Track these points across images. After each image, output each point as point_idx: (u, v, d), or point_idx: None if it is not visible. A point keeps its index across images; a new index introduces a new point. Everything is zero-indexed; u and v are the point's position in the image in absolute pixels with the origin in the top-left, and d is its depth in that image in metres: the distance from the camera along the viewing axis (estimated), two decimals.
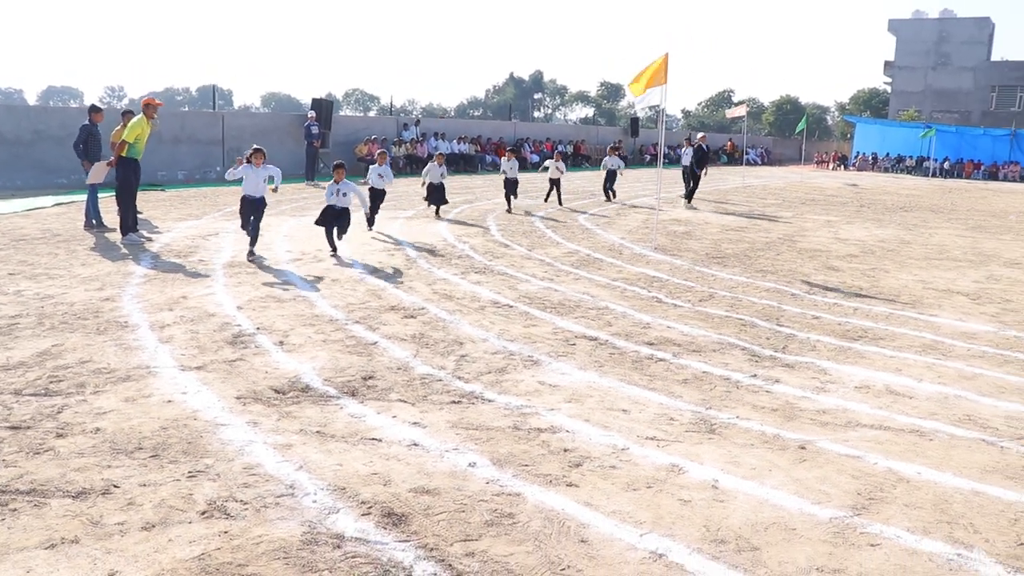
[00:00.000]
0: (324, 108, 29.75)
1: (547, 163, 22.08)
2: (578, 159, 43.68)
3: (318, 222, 12.80)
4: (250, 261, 11.66)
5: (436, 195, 17.66)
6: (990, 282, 12.54)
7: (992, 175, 54.04)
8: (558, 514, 4.49)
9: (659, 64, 14.00)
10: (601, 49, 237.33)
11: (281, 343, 7.57)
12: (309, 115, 27.84)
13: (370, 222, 14.98)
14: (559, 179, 21.70)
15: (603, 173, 24.04)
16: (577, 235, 15.94)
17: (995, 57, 76.07)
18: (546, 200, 22.00)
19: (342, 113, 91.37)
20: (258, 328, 8.05)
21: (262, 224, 12.28)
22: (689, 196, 23.69)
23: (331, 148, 29.76)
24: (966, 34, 74.04)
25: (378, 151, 16.46)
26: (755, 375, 7.18)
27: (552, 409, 6.13)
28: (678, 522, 4.45)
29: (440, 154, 18.64)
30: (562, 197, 21.88)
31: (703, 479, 5.02)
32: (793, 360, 7.71)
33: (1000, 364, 7.94)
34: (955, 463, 5.47)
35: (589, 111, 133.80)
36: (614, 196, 23.97)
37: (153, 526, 4.17)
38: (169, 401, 5.99)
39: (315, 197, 21.34)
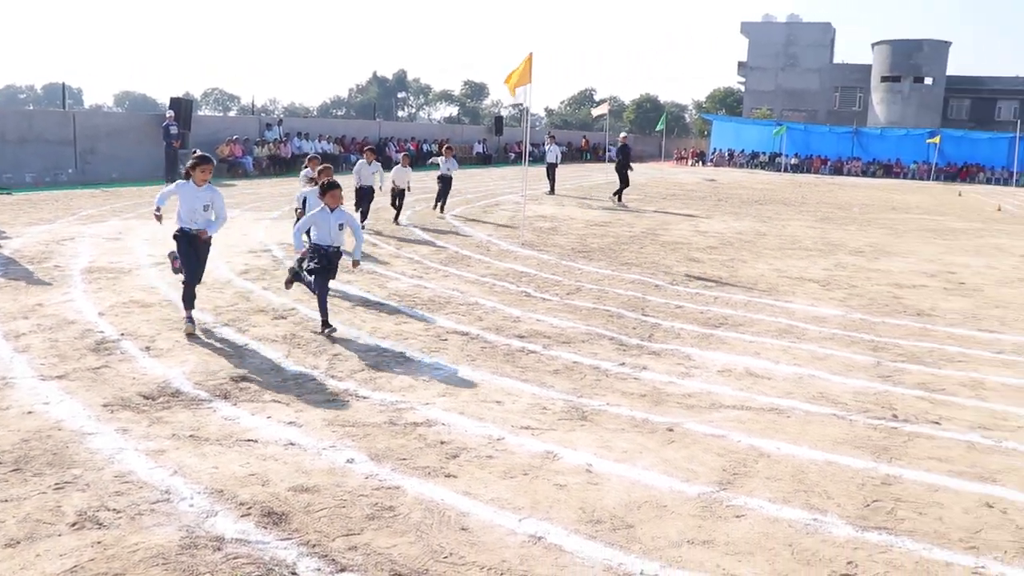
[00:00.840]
0: (183, 107, 28.87)
1: (438, 160, 19.98)
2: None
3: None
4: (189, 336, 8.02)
5: (400, 200, 16.98)
6: (838, 269, 13.28)
7: (837, 170, 56.99)
8: (438, 504, 4.57)
9: (525, 64, 14.22)
10: (465, 48, 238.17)
11: (148, 348, 7.37)
12: (167, 115, 26.95)
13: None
14: (451, 178, 19.23)
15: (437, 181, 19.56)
16: (445, 233, 16.02)
17: (837, 60, 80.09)
18: (435, 205, 19.49)
19: (202, 113, 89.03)
20: (122, 334, 7.81)
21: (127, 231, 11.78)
22: (618, 194, 23.85)
23: (191, 149, 28.88)
24: (811, 38, 77.73)
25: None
26: (623, 363, 7.43)
27: (427, 403, 6.20)
28: (555, 506, 4.60)
29: (406, 155, 18.11)
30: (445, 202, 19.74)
31: (577, 464, 5.19)
32: (659, 348, 8.02)
33: (848, 345, 8.46)
34: (810, 437, 5.83)
35: (453, 110, 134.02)
36: (442, 209, 19.46)
37: (18, 542, 4.03)
38: (29, 412, 5.76)
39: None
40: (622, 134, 26.36)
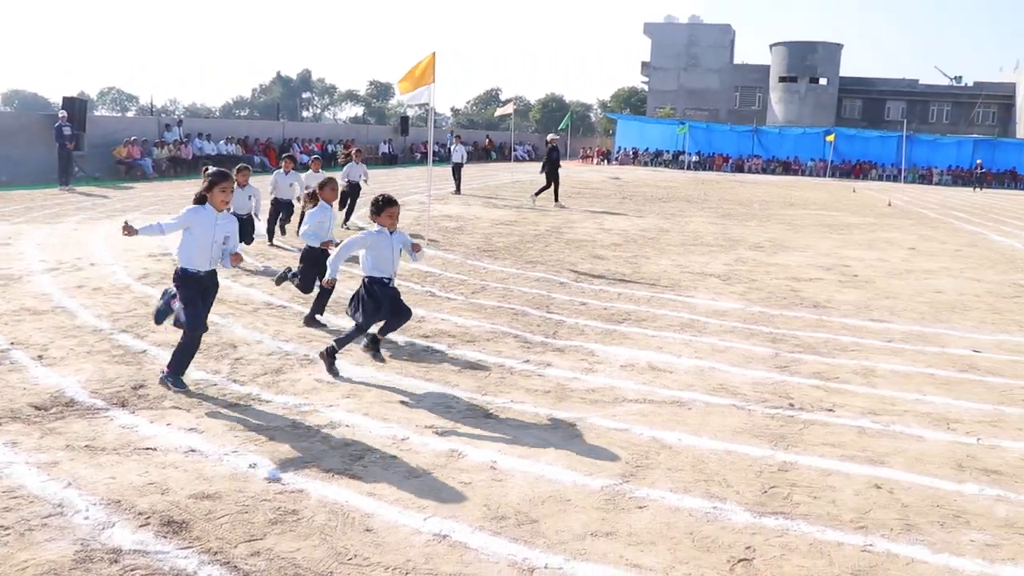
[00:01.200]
0: (77, 107, 27.90)
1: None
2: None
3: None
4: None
5: (353, 196, 16.30)
6: (738, 264, 13.62)
7: (739, 167, 58.44)
8: (342, 506, 4.54)
9: (427, 63, 14.18)
10: (370, 48, 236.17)
11: (40, 357, 7.12)
12: (60, 115, 25.99)
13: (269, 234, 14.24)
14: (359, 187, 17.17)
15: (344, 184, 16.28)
16: (351, 233, 15.85)
17: (737, 61, 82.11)
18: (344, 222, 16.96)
19: (97, 113, 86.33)
20: (12, 343, 7.53)
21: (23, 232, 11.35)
22: (555, 195, 23.86)
23: (86, 151, 28.02)
24: (712, 39, 79.55)
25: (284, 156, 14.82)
26: (527, 361, 7.49)
27: (331, 406, 6.15)
28: (460, 504, 4.62)
29: (358, 150, 17.32)
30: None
31: (482, 461, 5.21)
32: (563, 344, 8.11)
33: (747, 337, 8.69)
34: (710, 428, 5.98)
35: (359, 110, 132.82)
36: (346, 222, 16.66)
37: None
38: None
39: (70, 203, 20.05)
40: (551, 136, 26.57)
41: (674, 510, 4.66)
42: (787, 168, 58.61)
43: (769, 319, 9.58)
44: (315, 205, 8.83)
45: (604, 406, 6.34)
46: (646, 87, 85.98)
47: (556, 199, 23.85)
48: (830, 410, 6.51)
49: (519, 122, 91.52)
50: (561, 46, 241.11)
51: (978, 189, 50.32)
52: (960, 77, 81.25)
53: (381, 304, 6.79)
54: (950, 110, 78.74)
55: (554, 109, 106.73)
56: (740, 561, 4.16)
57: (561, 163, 24.83)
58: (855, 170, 57.60)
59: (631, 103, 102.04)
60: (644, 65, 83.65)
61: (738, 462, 5.38)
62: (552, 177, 23.82)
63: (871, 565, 4.20)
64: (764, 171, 57.97)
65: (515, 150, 52.46)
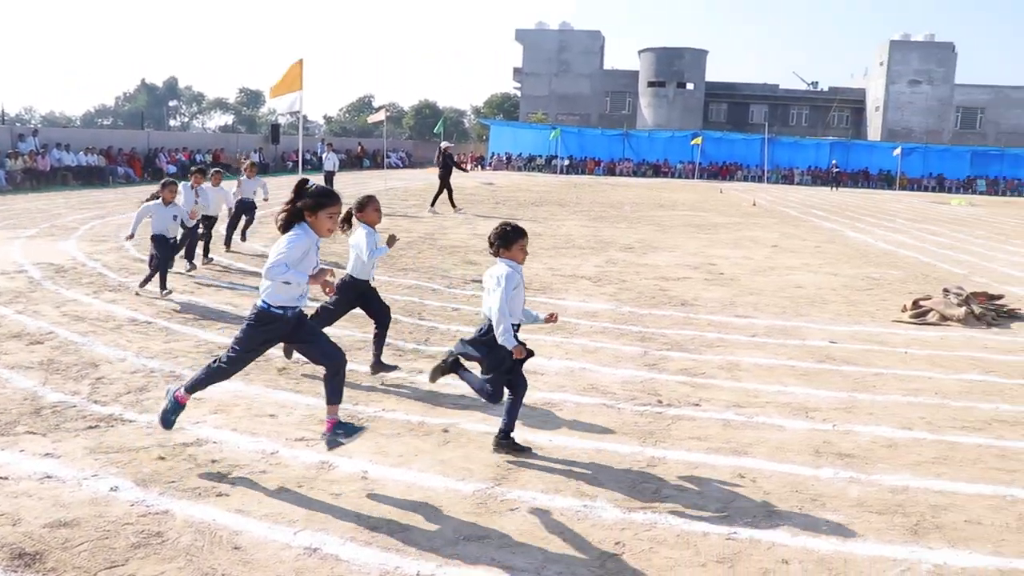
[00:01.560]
0: None
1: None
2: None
3: None
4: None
5: (247, 216, 15.31)
6: (609, 266, 13.88)
7: (611, 171, 59.65)
8: (209, 525, 4.41)
9: (294, 70, 13.97)
10: (240, 54, 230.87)
11: None
12: None
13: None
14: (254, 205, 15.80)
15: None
16: (217, 245, 15.45)
17: (607, 66, 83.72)
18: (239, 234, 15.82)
19: None
20: None
21: None
22: (436, 201, 23.79)
23: None
24: (582, 45, 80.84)
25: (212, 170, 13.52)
26: (399, 368, 7.43)
27: (197, 422, 5.97)
28: (331, 515, 4.55)
29: (252, 164, 16.12)
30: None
31: (353, 472, 5.16)
32: (435, 351, 8.08)
33: (617, 337, 8.87)
34: (580, 427, 6.08)
35: (229, 118, 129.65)
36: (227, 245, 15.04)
37: None
38: None
39: None
40: (443, 144, 26.54)
41: (545, 511, 4.72)
42: (657, 171, 60.14)
43: (638, 318, 9.80)
44: (348, 229, 7.54)
45: (475, 411, 6.36)
46: (519, 93, 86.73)
47: (453, 205, 23.85)
48: (696, 405, 6.71)
49: (392, 129, 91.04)
50: (435, 52, 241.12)
51: (835, 188, 52.80)
52: (816, 82, 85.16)
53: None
54: (808, 113, 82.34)
55: (427, 116, 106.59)
56: (610, 557, 4.24)
57: (455, 169, 24.89)
58: (722, 171, 59.61)
59: (504, 109, 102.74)
60: (516, 71, 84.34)
61: (608, 460, 5.48)
62: (446, 183, 23.89)
63: (735, 552, 4.35)
64: (635, 174, 59.33)
65: (388, 157, 52.18)
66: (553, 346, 8.39)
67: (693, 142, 55.89)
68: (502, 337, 5.34)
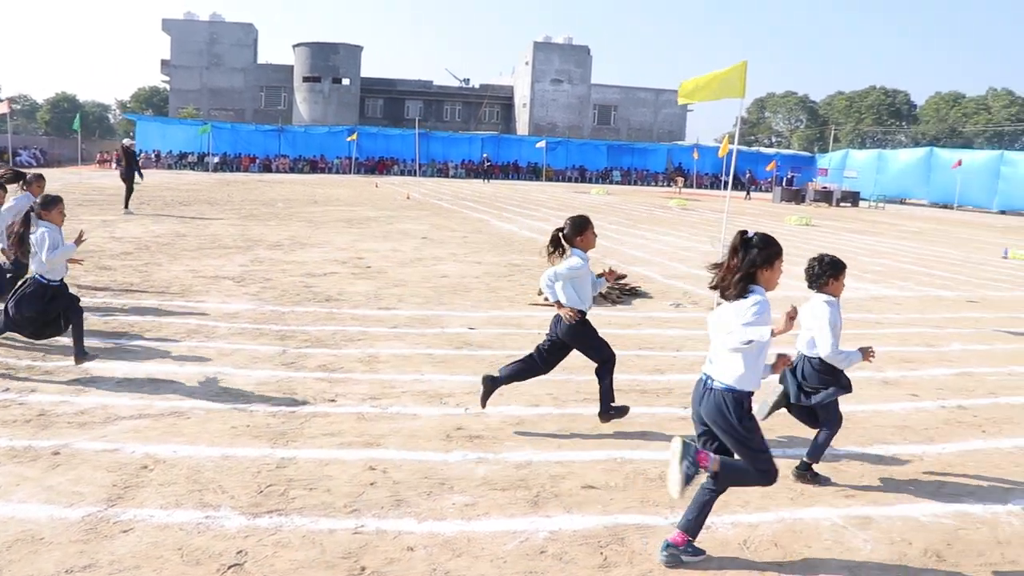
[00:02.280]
0: None
1: None
2: None
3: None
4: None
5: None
6: (254, 264, 13.49)
7: (266, 167, 58.20)
8: None
9: None
10: None
11: None
12: None
13: None
14: None
15: None
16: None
17: (261, 60, 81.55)
18: None
19: None
20: None
21: None
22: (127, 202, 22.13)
23: None
24: (235, 37, 78.18)
25: None
26: (7, 389, 6.68)
27: None
28: None
29: (38, 176, 12.76)
30: None
31: None
32: (52, 366, 7.37)
33: (256, 337, 8.61)
34: (209, 434, 5.82)
35: None
36: None
37: None
38: None
39: None
40: (126, 141, 24.21)
41: (163, 527, 4.45)
42: (314, 166, 59.60)
43: (280, 317, 9.59)
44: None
45: (93, 427, 5.88)
46: (167, 86, 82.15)
47: (127, 206, 22.34)
48: (332, 400, 6.67)
49: (25, 124, 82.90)
50: (74, 41, 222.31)
51: (487, 180, 55.27)
52: (468, 79, 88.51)
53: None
54: (461, 109, 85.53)
55: (66, 109, 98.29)
56: (231, 567, 4.09)
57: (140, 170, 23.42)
58: (379, 166, 60.30)
59: (153, 103, 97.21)
60: (164, 63, 79.81)
61: (235, 466, 5.29)
62: (130, 181, 22.50)
63: (361, 545, 4.36)
64: (292, 170, 58.34)
65: (19, 155, 47.43)
66: (186, 351, 7.97)
67: (349, 138, 55.91)
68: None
